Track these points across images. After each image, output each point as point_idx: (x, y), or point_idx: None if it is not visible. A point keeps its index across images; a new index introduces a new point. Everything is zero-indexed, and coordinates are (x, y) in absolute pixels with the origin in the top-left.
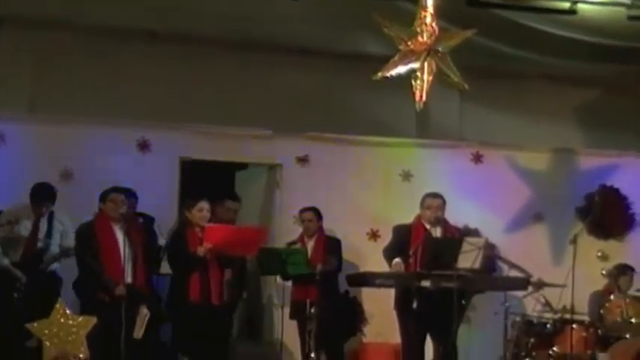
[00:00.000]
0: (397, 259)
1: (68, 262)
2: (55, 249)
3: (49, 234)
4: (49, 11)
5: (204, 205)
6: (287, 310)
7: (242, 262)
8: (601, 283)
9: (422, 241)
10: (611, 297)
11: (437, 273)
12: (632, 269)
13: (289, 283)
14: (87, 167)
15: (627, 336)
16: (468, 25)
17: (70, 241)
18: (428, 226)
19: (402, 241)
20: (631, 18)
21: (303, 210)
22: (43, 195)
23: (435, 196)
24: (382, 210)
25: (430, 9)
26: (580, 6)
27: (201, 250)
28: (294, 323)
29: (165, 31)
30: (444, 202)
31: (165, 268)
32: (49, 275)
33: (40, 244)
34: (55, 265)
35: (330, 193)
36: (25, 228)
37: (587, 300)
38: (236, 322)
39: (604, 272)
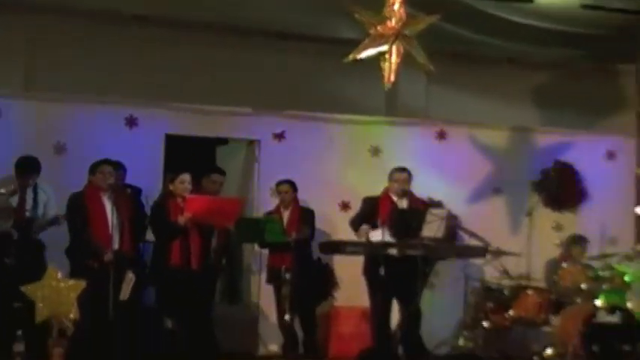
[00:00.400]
0: (365, 225)
1: (52, 229)
2: (40, 217)
3: (35, 204)
4: None
5: (185, 177)
6: (264, 276)
7: (226, 231)
8: (555, 253)
9: (389, 211)
10: (564, 265)
11: (402, 241)
12: (584, 240)
13: (266, 251)
14: (78, 141)
15: (578, 301)
16: (433, 12)
17: (53, 210)
18: (395, 198)
19: (370, 211)
20: (583, 6)
21: (280, 182)
22: (28, 167)
23: (402, 170)
24: (353, 183)
25: None
26: None
27: (181, 219)
28: (270, 288)
29: (152, 15)
30: (410, 176)
31: (150, 235)
32: (37, 242)
33: (27, 214)
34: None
35: (304, 167)
36: (13, 199)
37: (541, 268)
38: (218, 287)
39: (558, 242)
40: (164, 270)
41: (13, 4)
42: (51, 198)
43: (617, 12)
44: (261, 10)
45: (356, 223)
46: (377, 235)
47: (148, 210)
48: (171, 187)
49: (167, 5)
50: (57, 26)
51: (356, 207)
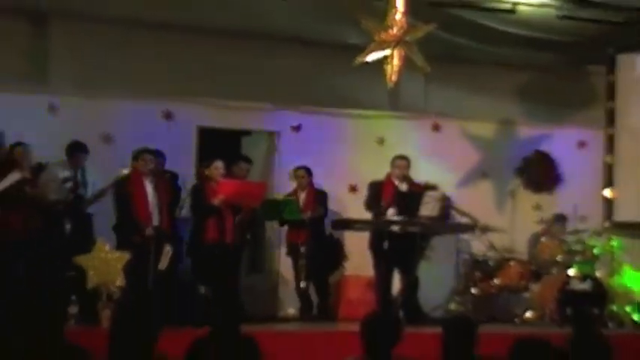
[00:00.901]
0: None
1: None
2: (88, 194)
3: (84, 183)
4: (92, 7)
5: (219, 164)
6: (283, 249)
7: (250, 210)
8: (534, 229)
9: (392, 194)
10: (542, 239)
11: (403, 220)
12: (564, 218)
13: (285, 227)
14: (122, 132)
15: (554, 271)
16: (431, 21)
17: (97, 190)
18: (396, 182)
19: (376, 193)
20: (559, 17)
21: (297, 168)
22: (78, 149)
23: (402, 157)
24: (360, 168)
25: (400, 7)
26: (519, 7)
27: (216, 201)
28: (289, 259)
29: (188, 23)
30: (409, 163)
31: (185, 213)
32: (87, 216)
33: (79, 191)
34: (91, 208)
35: (318, 154)
36: (58, 179)
37: (523, 242)
38: (244, 258)
39: (537, 220)
40: (201, 244)
41: (66, 17)
42: (96, 180)
43: (588, 22)
44: (281, 19)
45: (369, 205)
46: None
47: (183, 193)
48: (206, 173)
49: (202, 15)
50: (103, 34)
51: (363, 189)
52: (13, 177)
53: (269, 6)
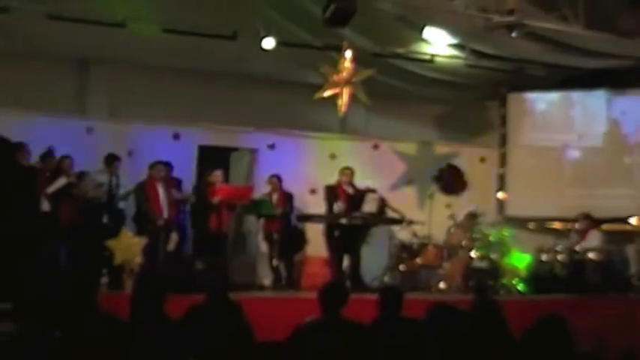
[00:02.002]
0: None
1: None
2: (120, 194)
3: (117, 185)
4: (121, 55)
5: (218, 172)
6: (261, 235)
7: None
8: (446, 222)
9: (342, 196)
10: (452, 230)
11: (350, 215)
12: (473, 214)
13: (262, 220)
14: (141, 148)
15: (460, 253)
16: (371, 67)
17: (124, 191)
18: (345, 187)
19: (331, 194)
20: (466, 65)
21: (271, 176)
22: (114, 158)
23: (348, 168)
24: (318, 176)
25: (348, 57)
26: (436, 58)
27: (215, 200)
28: (264, 243)
29: (191, 69)
30: (353, 172)
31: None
32: (120, 210)
33: (113, 191)
34: (122, 204)
35: (287, 166)
36: (94, 181)
37: (438, 232)
38: (230, 241)
39: (449, 215)
40: (204, 231)
41: (102, 63)
42: (126, 183)
43: (487, 69)
44: (261, 65)
45: (330, 202)
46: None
47: (185, 192)
48: (208, 178)
49: (201, 62)
50: (129, 75)
51: (319, 191)
52: (61, 181)
53: (252, 56)
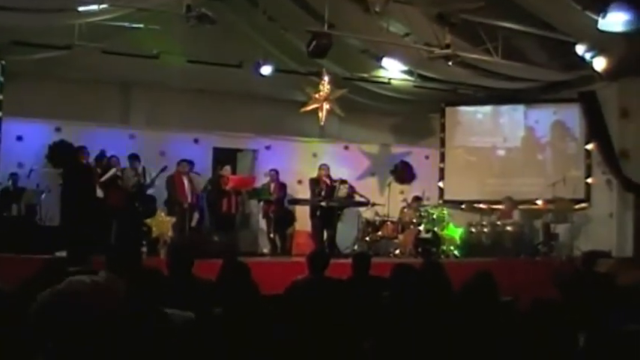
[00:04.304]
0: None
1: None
2: (147, 182)
3: (144, 177)
4: (158, 78)
5: (227, 167)
6: (261, 215)
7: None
8: (401, 204)
9: (323, 185)
10: (405, 210)
11: (328, 199)
12: (420, 198)
13: (262, 203)
14: (171, 150)
15: (411, 227)
16: (343, 88)
17: (149, 181)
18: (324, 179)
19: (315, 185)
20: (415, 86)
21: (270, 170)
22: (135, 157)
23: (325, 164)
24: (303, 170)
25: (326, 81)
26: (392, 81)
27: (227, 187)
28: (264, 220)
29: (209, 89)
30: (329, 168)
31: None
32: (150, 196)
33: (142, 181)
34: (150, 190)
35: (280, 162)
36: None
37: (394, 211)
38: (237, 219)
39: (402, 199)
40: (218, 213)
41: (141, 84)
42: (152, 175)
43: (430, 89)
44: (261, 86)
45: (314, 191)
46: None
47: (203, 182)
48: (220, 172)
49: (216, 84)
50: (163, 94)
51: (305, 182)
52: (112, 171)
53: (254, 79)
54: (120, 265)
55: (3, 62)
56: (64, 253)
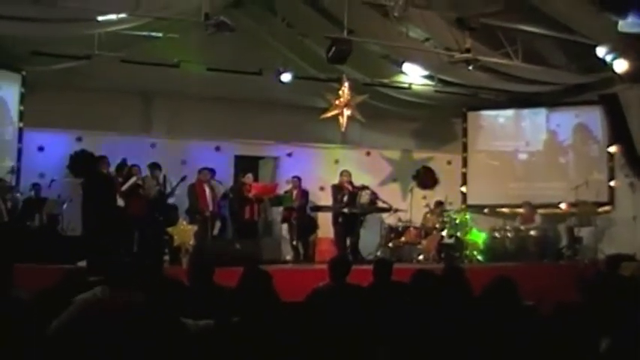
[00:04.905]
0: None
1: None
2: (168, 191)
3: (164, 186)
4: (177, 87)
5: (249, 175)
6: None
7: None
8: (423, 210)
9: (345, 191)
10: (427, 215)
11: (350, 206)
12: (442, 203)
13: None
14: (192, 158)
15: (434, 232)
16: (364, 94)
17: (170, 190)
18: (346, 185)
19: (337, 191)
20: (436, 91)
21: (293, 177)
22: (155, 166)
23: (346, 171)
24: (325, 177)
25: (346, 87)
26: (413, 86)
27: (249, 195)
28: (286, 226)
29: (228, 97)
30: (350, 174)
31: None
32: (171, 205)
33: (162, 190)
34: (171, 199)
35: (303, 169)
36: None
37: (417, 217)
38: (260, 229)
39: (425, 205)
40: (240, 220)
41: (162, 94)
42: (172, 184)
43: (452, 94)
44: (281, 93)
45: (336, 196)
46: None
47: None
48: (242, 180)
49: (236, 92)
50: (184, 103)
51: (327, 188)
52: (132, 180)
53: (274, 87)
54: (138, 276)
55: (23, 73)
56: (84, 263)
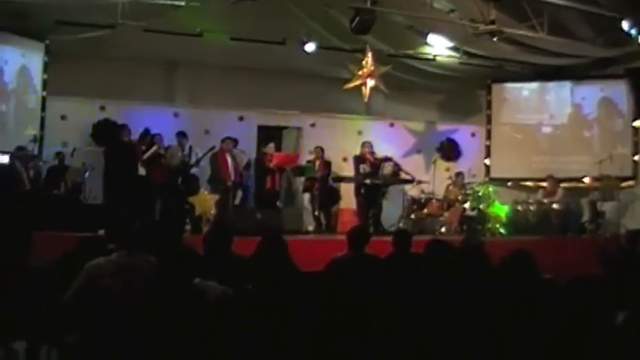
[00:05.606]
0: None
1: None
2: (193, 162)
3: (189, 156)
4: (201, 57)
5: (271, 144)
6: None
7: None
8: (446, 182)
9: (367, 162)
10: (450, 187)
11: (372, 176)
12: (462, 174)
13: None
14: (215, 128)
15: (457, 205)
16: (387, 64)
17: (195, 160)
18: (368, 156)
19: (359, 162)
20: (460, 63)
21: (315, 147)
22: (182, 135)
23: (368, 142)
24: (348, 148)
25: (369, 57)
26: (437, 57)
27: (271, 165)
28: (307, 196)
29: (252, 67)
30: (372, 145)
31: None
32: (193, 175)
33: (186, 160)
34: (194, 169)
35: (325, 140)
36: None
37: (439, 189)
38: (282, 199)
39: (447, 177)
40: (263, 190)
41: (186, 63)
42: (198, 155)
43: (476, 66)
44: (305, 63)
45: (357, 167)
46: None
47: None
48: (264, 150)
49: (260, 61)
50: (207, 72)
51: (349, 159)
52: (154, 148)
53: (297, 57)
54: (155, 243)
55: (47, 42)
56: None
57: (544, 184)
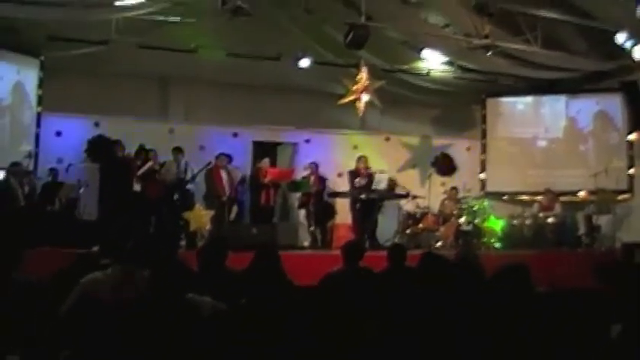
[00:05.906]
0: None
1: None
2: (188, 178)
3: (185, 172)
4: (193, 73)
5: (266, 160)
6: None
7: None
8: (441, 196)
9: (362, 176)
10: (445, 202)
11: (367, 191)
12: (456, 189)
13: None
14: (210, 144)
15: (452, 219)
16: (382, 79)
17: (190, 176)
18: (363, 171)
19: (354, 177)
20: (455, 78)
21: (310, 163)
22: (178, 150)
23: (363, 156)
24: (343, 163)
25: (364, 72)
26: (432, 72)
27: (265, 180)
28: (303, 211)
29: (247, 83)
30: (367, 160)
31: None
32: (188, 191)
33: (182, 176)
34: (190, 185)
35: (321, 155)
36: (173, 169)
37: (435, 204)
38: (277, 210)
39: (443, 192)
40: (257, 205)
41: (179, 79)
42: (193, 170)
43: (471, 80)
44: (299, 79)
45: (352, 182)
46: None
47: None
48: (258, 165)
49: (254, 78)
50: (201, 89)
51: (344, 174)
52: (148, 164)
53: (292, 72)
54: (143, 256)
55: (42, 58)
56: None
57: (539, 197)
